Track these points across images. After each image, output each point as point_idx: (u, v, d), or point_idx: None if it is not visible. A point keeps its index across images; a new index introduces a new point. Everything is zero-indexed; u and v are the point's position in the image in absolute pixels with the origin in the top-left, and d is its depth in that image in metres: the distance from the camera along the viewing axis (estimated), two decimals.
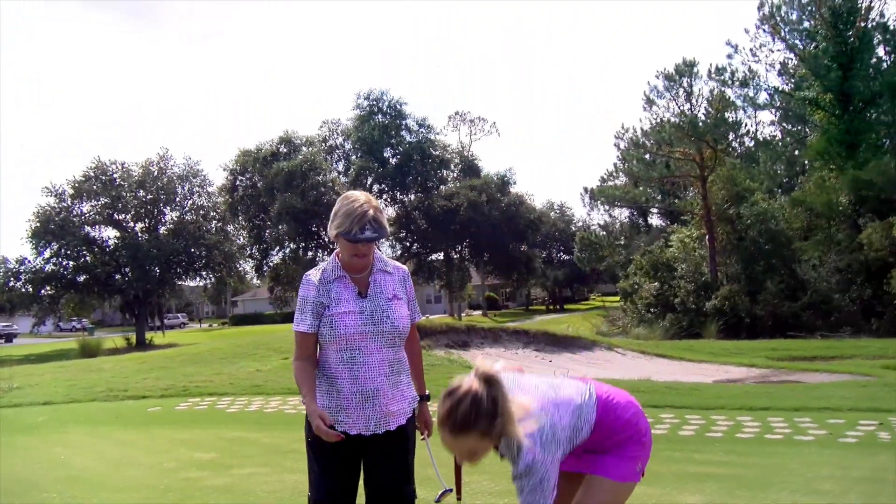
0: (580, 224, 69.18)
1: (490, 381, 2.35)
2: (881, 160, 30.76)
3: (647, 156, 47.29)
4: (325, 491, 2.84)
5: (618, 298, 44.81)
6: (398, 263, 3.15)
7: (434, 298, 70.51)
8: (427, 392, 3.12)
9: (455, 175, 49.15)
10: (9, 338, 62.45)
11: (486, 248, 45.37)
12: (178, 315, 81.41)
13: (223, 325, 74.43)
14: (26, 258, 46.71)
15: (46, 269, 46.83)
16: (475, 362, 2.45)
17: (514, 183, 48.11)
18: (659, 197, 54.80)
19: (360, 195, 2.96)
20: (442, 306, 65.47)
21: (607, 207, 65.45)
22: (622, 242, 64.19)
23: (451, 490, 3.04)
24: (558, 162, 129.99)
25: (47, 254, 46.48)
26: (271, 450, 7.00)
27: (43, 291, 47.31)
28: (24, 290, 47.22)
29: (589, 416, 2.51)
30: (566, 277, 73.24)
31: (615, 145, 59.98)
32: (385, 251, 51.06)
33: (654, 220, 65.69)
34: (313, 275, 2.96)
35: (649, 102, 41.78)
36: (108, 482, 6.06)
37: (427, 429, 3.09)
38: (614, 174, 59.08)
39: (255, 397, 9.91)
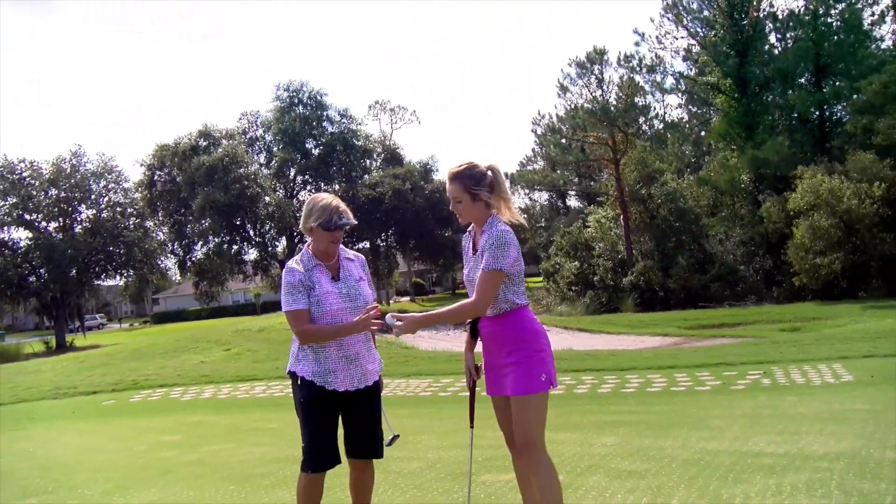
0: None
1: (493, 170, 3.31)
2: (776, 140, 33.07)
3: (564, 140, 48.94)
4: (325, 441, 3.41)
5: (541, 279, 46.34)
6: (356, 253, 3.71)
7: None
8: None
9: (378, 164, 49.55)
10: None
11: (412, 235, 46.07)
12: (96, 316, 78.80)
13: (144, 323, 72.61)
14: None
15: None
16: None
17: (437, 170, 48.97)
18: (576, 180, 56.82)
19: (325, 195, 3.59)
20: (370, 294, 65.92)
21: (527, 191, 67.25)
22: (542, 225, 66.20)
23: (398, 436, 3.77)
24: (478, 148, 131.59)
25: None
26: (232, 429, 7.60)
27: None
28: None
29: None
30: None
31: (532, 131, 61.87)
32: None
33: (573, 202, 67.94)
34: (295, 264, 3.49)
35: (563, 89, 43.27)
36: (83, 466, 6.55)
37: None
38: (533, 159, 60.80)
39: (205, 386, 10.40)
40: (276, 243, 46.01)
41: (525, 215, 47.87)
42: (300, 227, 3.66)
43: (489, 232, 3.21)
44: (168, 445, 7.02)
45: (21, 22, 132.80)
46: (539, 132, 52.90)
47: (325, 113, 46.43)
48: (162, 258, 49.63)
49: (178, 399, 9.71)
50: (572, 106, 43.10)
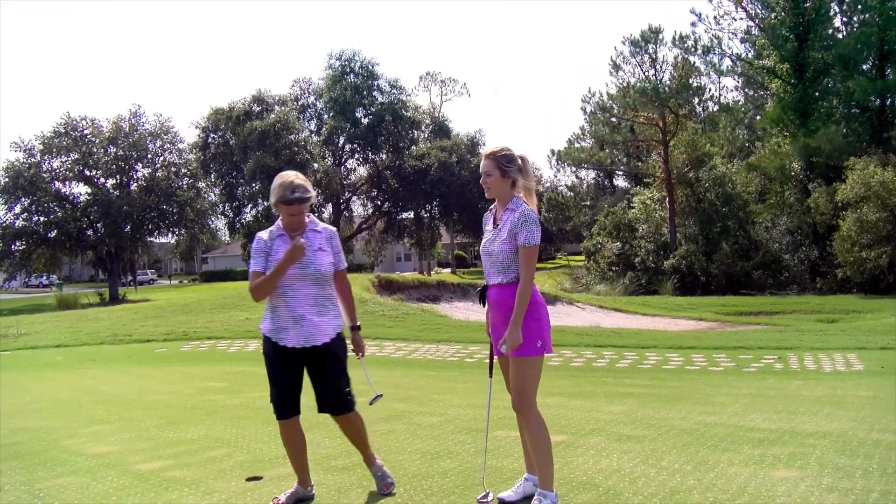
0: (547, 185, 70.54)
1: (524, 158, 3.72)
2: (830, 128, 32.39)
3: (613, 119, 48.54)
4: (278, 392, 3.89)
5: (582, 258, 46.41)
6: (328, 226, 3.99)
7: (404, 256, 71.69)
8: (358, 323, 4.06)
9: (426, 136, 49.90)
10: None
11: (456, 207, 46.47)
12: (148, 271, 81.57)
13: (193, 281, 74.89)
14: None
15: (17, 224, 46.90)
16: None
17: (484, 144, 49.02)
18: (624, 159, 56.31)
19: (288, 172, 3.93)
20: (412, 264, 66.74)
21: (574, 169, 66.89)
22: (588, 203, 65.87)
23: (381, 395, 4.14)
24: (526, 123, 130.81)
25: (17, 209, 46.59)
26: None
27: (14, 247, 47.41)
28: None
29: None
30: None
31: (582, 109, 61.25)
32: (357, 210, 52.04)
33: (619, 182, 67.38)
34: (263, 234, 3.91)
35: (616, 67, 42.86)
36: (139, 403, 7.26)
37: (360, 351, 4.07)
38: (581, 137, 60.38)
39: (249, 340, 11.10)
40: (323, 210, 46.94)
41: (571, 192, 47.97)
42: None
43: (518, 210, 3.56)
44: (214, 390, 7.69)
45: None
46: (589, 110, 52.46)
47: (375, 83, 46.90)
48: (213, 219, 51.20)
49: (225, 351, 10.42)
50: (624, 85, 42.72)
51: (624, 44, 42.62)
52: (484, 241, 3.74)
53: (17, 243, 47.33)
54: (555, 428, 5.47)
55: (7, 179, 45.54)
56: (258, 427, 5.99)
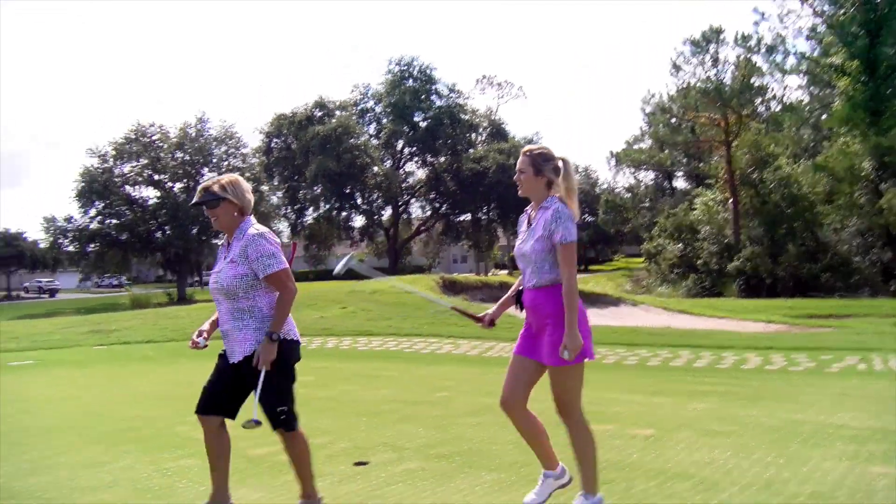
0: (605, 187, 69.93)
1: (564, 160, 3.56)
2: None
3: (673, 120, 47.95)
4: (206, 389, 3.73)
5: (641, 260, 45.93)
6: (253, 232, 3.59)
7: (460, 258, 72.01)
8: (273, 333, 3.54)
9: (483, 139, 50.16)
10: (52, 292, 64.93)
11: (514, 209, 46.57)
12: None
13: None
14: (73, 217, 48.96)
15: (91, 227, 48.97)
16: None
17: None
18: (684, 161, 55.50)
19: (215, 177, 3.77)
20: (468, 266, 67.00)
21: (632, 170, 66.13)
22: (647, 205, 65.02)
23: (259, 423, 3.57)
24: (583, 125, 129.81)
25: (92, 212, 48.64)
26: (356, 374, 8.59)
27: (89, 248, 49.47)
28: (71, 247, 49.40)
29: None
30: (590, 239, 74.30)
31: (641, 109, 60.54)
32: (415, 212, 52.60)
33: (679, 184, 66.33)
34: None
35: (676, 68, 42.36)
36: None
37: (259, 360, 3.52)
38: (640, 138, 59.73)
39: (327, 338, 11.53)
40: (383, 212, 47.69)
41: (629, 194, 47.52)
42: None
43: (552, 208, 3.41)
44: (302, 384, 8.00)
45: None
46: (648, 111, 51.90)
47: (433, 87, 47.45)
48: (275, 221, 52.49)
49: (305, 347, 10.80)
50: (684, 85, 42.19)
51: (684, 44, 42.12)
52: (518, 242, 3.64)
53: (92, 245, 49.41)
54: (641, 423, 5.64)
55: (83, 184, 47.61)
56: (352, 418, 6.30)
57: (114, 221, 49.28)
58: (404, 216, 50.73)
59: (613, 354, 9.87)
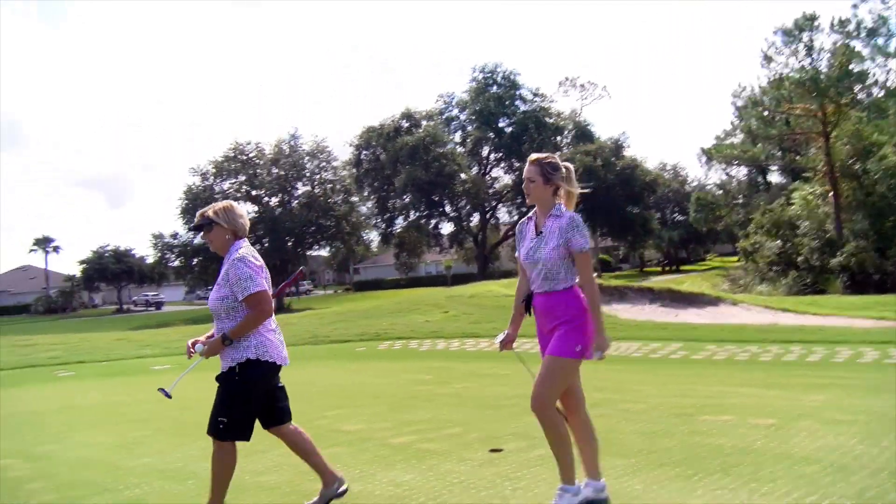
0: (695, 184, 68.16)
1: (569, 168, 3.69)
2: None
3: (766, 113, 46.34)
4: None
5: (736, 259, 44.61)
6: (236, 256, 3.77)
7: None
8: (226, 337, 3.72)
9: (568, 141, 50.07)
10: (158, 305, 68.54)
11: (601, 210, 46.26)
12: (304, 283, 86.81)
13: (346, 290, 78.72)
14: (178, 233, 52.01)
15: (195, 241, 51.82)
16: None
17: (629, 146, 48.61)
18: (779, 154, 53.43)
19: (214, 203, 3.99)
20: None
21: (724, 166, 64.10)
22: (740, 201, 62.85)
23: (168, 395, 3.93)
24: (670, 122, 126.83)
25: None
26: (472, 373, 9.02)
27: (193, 262, 52.33)
28: (177, 261, 52.34)
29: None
30: (681, 238, 72.52)
31: (732, 103, 58.65)
32: (502, 217, 52.91)
33: (774, 178, 63.84)
34: None
35: (767, 59, 40.91)
36: (364, 392, 8.22)
37: (199, 344, 3.81)
38: (731, 133, 57.92)
39: (436, 340, 12.03)
40: (471, 218, 48.23)
41: (721, 191, 46.06)
42: None
43: (565, 216, 3.52)
44: (423, 382, 8.55)
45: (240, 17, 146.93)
46: (739, 104, 50.31)
47: (517, 92, 47.74)
48: (366, 231, 54.04)
49: (417, 349, 11.39)
50: (777, 76, 40.74)
51: (776, 34, 40.68)
52: (526, 249, 3.68)
53: (196, 259, 52.24)
54: (761, 413, 5.80)
55: (186, 201, 50.42)
56: (478, 411, 6.71)
57: None
58: (492, 221, 51.10)
59: (723, 351, 9.92)
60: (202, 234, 3.94)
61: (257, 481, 4.79)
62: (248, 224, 3.98)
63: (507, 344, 3.97)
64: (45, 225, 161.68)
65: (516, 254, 3.89)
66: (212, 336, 3.92)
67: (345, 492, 4.08)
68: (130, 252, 72.22)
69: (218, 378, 3.83)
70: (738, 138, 55.87)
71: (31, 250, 77.64)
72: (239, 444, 3.75)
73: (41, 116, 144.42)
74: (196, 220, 3.95)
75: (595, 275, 3.70)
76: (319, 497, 4.07)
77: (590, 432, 3.80)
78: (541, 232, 3.61)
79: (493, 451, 5.27)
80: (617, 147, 47.48)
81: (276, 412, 4.06)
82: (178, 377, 3.85)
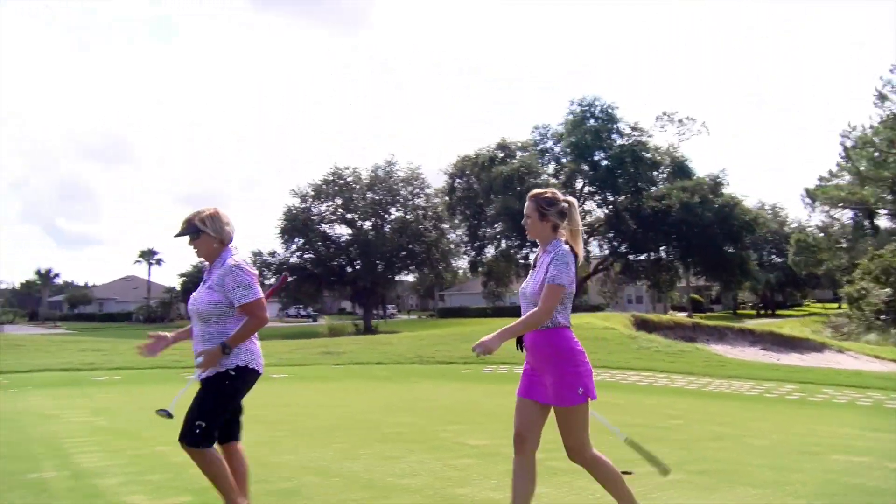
0: (794, 225, 65.66)
1: (570, 203, 3.61)
2: None
3: (877, 154, 44.48)
4: None
5: (837, 305, 42.63)
6: (233, 262, 3.74)
7: (635, 299, 70.36)
8: (226, 345, 3.63)
9: (664, 176, 49.33)
10: None
11: (697, 249, 45.17)
12: (389, 306, 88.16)
13: (430, 316, 79.43)
14: (276, 251, 54.06)
15: (291, 260, 53.71)
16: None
17: (728, 184, 47.31)
18: (889, 197, 51.01)
19: (198, 210, 3.89)
20: (643, 307, 65.33)
21: (827, 208, 61.56)
22: (843, 245, 60.12)
23: (170, 414, 3.69)
24: (769, 161, 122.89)
25: (293, 248, 53.49)
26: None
27: (289, 280, 54.12)
28: (273, 279, 54.24)
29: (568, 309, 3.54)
30: (778, 281, 69.86)
31: (841, 144, 56.51)
32: (593, 251, 52.40)
33: (883, 223, 60.80)
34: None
35: (882, 98, 39.47)
36: (478, 410, 8.45)
37: (200, 357, 3.66)
38: (837, 174, 55.70)
39: None
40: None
41: (823, 234, 44.22)
42: None
43: (554, 251, 3.47)
44: None
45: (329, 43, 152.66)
46: (848, 144, 48.44)
47: (615, 126, 47.54)
48: (455, 258, 54.72)
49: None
50: (891, 115, 39.13)
51: (892, 72, 39.19)
52: (523, 283, 3.72)
53: (292, 278, 54.04)
54: None
55: (286, 222, 52.42)
56: (597, 437, 6.83)
57: (310, 256, 53.83)
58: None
59: (842, 395, 9.68)
60: (188, 241, 3.82)
61: (400, 483, 5.07)
62: (234, 231, 3.90)
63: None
64: (149, 238, 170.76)
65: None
66: (183, 333, 3.95)
67: None
68: None
69: (204, 381, 3.71)
70: (845, 179, 53.69)
71: (137, 261, 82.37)
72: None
73: (148, 134, 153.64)
74: (181, 227, 3.84)
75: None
76: None
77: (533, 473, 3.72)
78: (535, 266, 3.62)
79: (623, 473, 5.41)
80: (715, 184, 46.36)
81: (234, 426, 3.94)
82: (177, 395, 3.67)
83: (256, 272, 3.81)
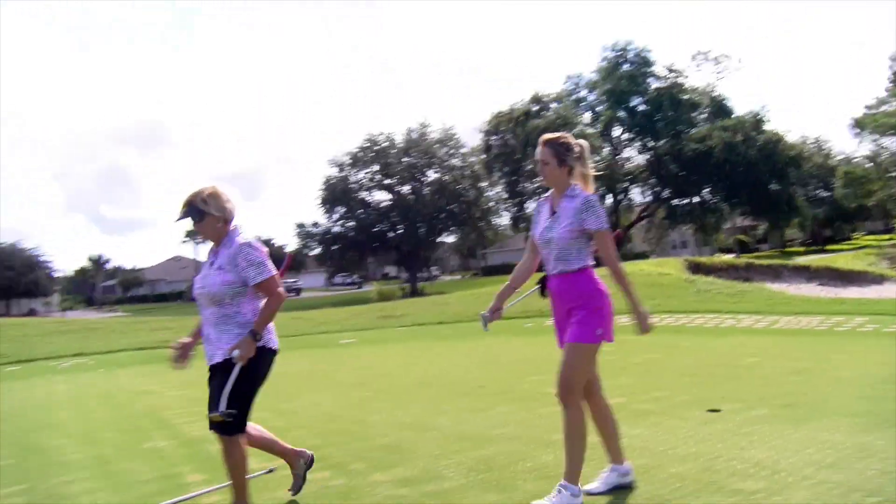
0: (840, 157, 63.84)
1: (583, 146, 3.58)
2: None
3: None
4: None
5: (887, 236, 41.59)
6: (243, 240, 3.62)
7: (679, 243, 69.53)
8: (256, 333, 3.53)
9: (704, 117, 48.33)
10: (297, 292, 72.09)
11: (742, 189, 44.35)
12: (432, 268, 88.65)
13: (474, 275, 79.73)
14: (318, 222, 54.79)
15: (334, 230, 54.41)
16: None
17: (769, 120, 46.18)
18: None
19: (197, 189, 3.70)
20: (688, 251, 64.56)
21: (875, 137, 59.62)
22: (894, 174, 58.33)
23: (223, 413, 3.45)
24: (815, 91, 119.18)
25: (335, 217, 54.17)
26: (653, 345, 9.20)
27: (333, 250, 54.93)
28: (318, 249, 55.18)
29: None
30: (826, 216, 68.21)
31: (890, 68, 54.46)
32: (635, 198, 51.82)
33: None
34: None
35: None
36: (552, 360, 8.60)
37: (236, 350, 3.50)
38: (886, 100, 53.83)
39: None
40: (604, 200, 47.67)
41: (871, 163, 43.02)
42: None
43: (580, 197, 3.46)
44: (605, 353, 8.85)
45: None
46: None
47: (650, 69, 46.59)
48: (496, 216, 54.77)
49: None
50: None
51: None
52: (540, 229, 3.63)
53: (335, 247, 54.82)
54: None
55: (326, 192, 52.98)
56: (675, 378, 6.97)
57: (352, 224, 54.43)
58: (624, 203, 50.27)
59: None
60: (193, 224, 3.67)
61: (493, 433, 5.25)
62: (235, 208, 3.73)
63: (494, 314, 3.91)
64: None
65: (530, 233, 3.80)
66: (196, 332, 3.79)
67: None
68: (271, 241, 76.52)
69: (220, 366, 3.57)
70: (894, 105, 51.92)
71: (183, 241, 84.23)
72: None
73: (182, 117, 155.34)
74: (182, 210, 3.67)
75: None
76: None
77: (609, 417, 3.70)
78: (555, 212, 3.54)
79: (710, 411, 5.51)
80: (757, 121, 45.26)
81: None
82: (226, 389, 3.45)
83: (267, 249, 3.69)
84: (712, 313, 12.15)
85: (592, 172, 3.60)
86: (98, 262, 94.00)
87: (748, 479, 3.66)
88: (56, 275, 73.07)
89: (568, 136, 3.59)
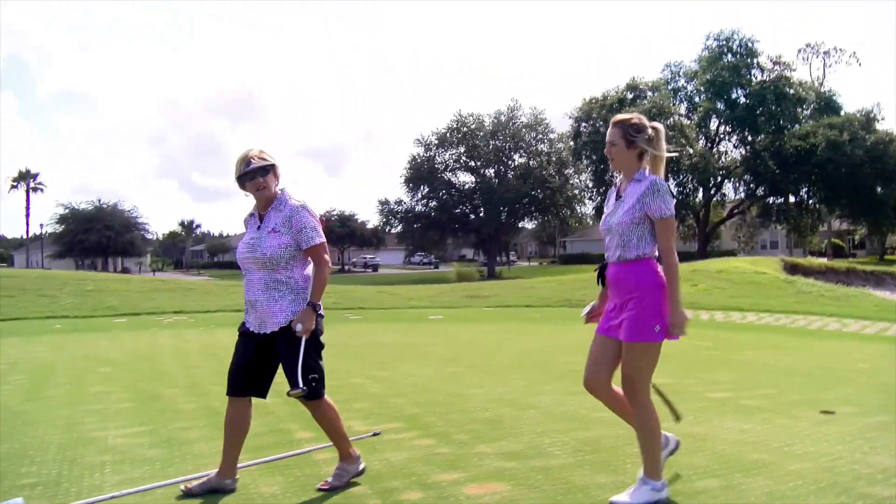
0: None
1: (657, 129, 3.36)
2: None
3: None
4: (234, 369, 3.61)
5: None
6: (296, 203, 3.56)
7: (769, 244, 66.88)
8: (316, 304, 3.49)
9: (809, 113, 46.07)
10: (375, 268, 73.34)
11: (844, 190, 42.12)
12: (510, 253, 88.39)
13: (552, 263, 79.10)
14: (401, 200, 55.39)
15: (417, 209, 54.90)
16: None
17: (882, 119, 43.48)
18: None
19: (244, 150, 3.63)
20: (778, 252, 62.02)
21: None
22: None
23: (303, 389, 3.41)
24: None
25: (419, 196, 54.62)
26: (757, 344, 8.99)
27: (415, 227, 55.48)
28: (400, 227, 55.79)
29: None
30: None
31: None
32: (728, 194, 50.04)
33: None
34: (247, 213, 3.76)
35: None
36: (667, 352, 8.48)
37: (299, 324, 3.43)
38: None
39: (699, 311, 12.06)
40: (695, 194, 46.25)
41: None
42: None
43: (647, 181, 3.25)
44: (705, 347, 8.69)
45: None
46: None
47: (755, 60, 44.68)
48: (580, 204, 53.99)
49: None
50: None
51: None
52: (605, 215, 3.44)
53: (416, 225, 55.33)
54: None
55: (411, 171, 53.46)
56: (782, 378, 6.75)
57: (434, 204, 54.77)
58: (717, 198, 48.59)
59: None
60: (250, 182, 3.53)
61: (595, 416, 5.19)
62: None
63: (593, 316, 3.64)
64: None
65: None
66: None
67: (232, 491, 3.60)
68: (353, 216, 77.87)
69: (270, 338, 3.55)
70: None
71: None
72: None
73: (274, 90, 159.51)
74: (255, 163, 3.53)
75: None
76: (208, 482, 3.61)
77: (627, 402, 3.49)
78: (620, 196, 3.35)
79: (824, 412, 5.32)
80: (868, 120, 42.75)
81: (265, 384, 3.69)
82: (298, 367, 3.43)
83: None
84: (814, 315, 11.75)
85: (665, 155, 3.36)
86: (189, 227, 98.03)
87: (876, 484, 3.51)
88: (149, 237, 76.54)
89: (641, 118, 3.39)
